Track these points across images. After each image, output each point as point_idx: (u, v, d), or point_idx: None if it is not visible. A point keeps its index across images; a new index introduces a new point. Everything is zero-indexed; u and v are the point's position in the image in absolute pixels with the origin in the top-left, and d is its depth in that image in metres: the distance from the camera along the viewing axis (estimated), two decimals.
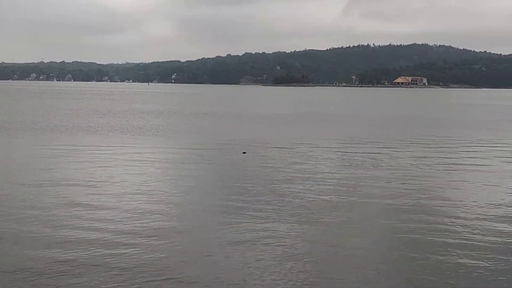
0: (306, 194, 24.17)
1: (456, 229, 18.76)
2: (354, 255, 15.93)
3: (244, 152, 37.73)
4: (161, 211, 20.61)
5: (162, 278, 13.92)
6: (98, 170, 29.58)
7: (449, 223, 19.46)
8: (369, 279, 14.18)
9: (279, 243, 16.78)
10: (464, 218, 20.17)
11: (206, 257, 15.50)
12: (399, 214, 20.79)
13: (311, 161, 34.19)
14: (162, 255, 15.58)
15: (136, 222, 18.93)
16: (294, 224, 19.05)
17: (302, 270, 14.67)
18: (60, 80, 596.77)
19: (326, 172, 29.93)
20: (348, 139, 47.75)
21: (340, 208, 21.76)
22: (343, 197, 23.72)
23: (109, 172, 28.91)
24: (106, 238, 16.97)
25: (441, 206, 22.17)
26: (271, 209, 21.21)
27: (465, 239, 17.57)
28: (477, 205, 22.35)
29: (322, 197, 23.56)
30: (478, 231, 18.54)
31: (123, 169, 29.99)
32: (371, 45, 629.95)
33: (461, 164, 34.09)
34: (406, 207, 21.93)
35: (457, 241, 17.38)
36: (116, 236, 17.19)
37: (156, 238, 17.17)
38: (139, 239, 16.98)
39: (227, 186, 25.87)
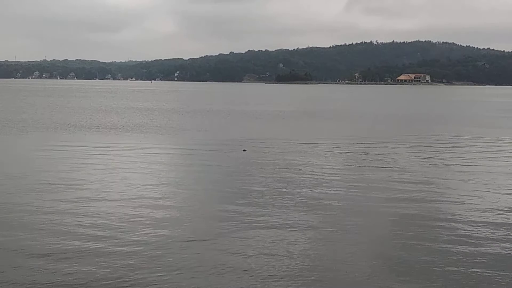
0: (306, 194, 23.78)
1: (464, 234, 18.25)
2: (360, 265, 15.60)
3: (244, 150, 37.40)
4: (161, 218, 19.99)
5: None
6: (97, 171, 29.20)
7: (458, 228, 18.97)
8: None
9: (283, 250, 16.30)
10: (474, 222, 19.55)
11: (212, 267, 15.15)
12: (406, 218, 20.24)
13: (312, 159, 33.73)
14: (164, 265, 15.28)
15: (137, 230, 18.24)
16: (298, 230, 18.46)
17: (308, 281, 14.31)
18: (63, 78, 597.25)
19: (328, 173, 29.45)
20: (352, 137, 47.24)
21: (344, 210, 21.25)
22: (346, 199, 23.16)
23: (108, 173, 28.54)
24: (107, 249, 16.32)
25: (448, 209, 21.70)
26: (266, 213, 20.85)
27: (474, 246, 17.01)
28: (486, 208, 21.78)
29: (324, 198, 23.13)
30: (489, 237, 17.92)
31: (123, 170, 29.55)
32: (374, 42, 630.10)
33: (469, 164, 33.25)
34: (413, 211, 21.35)
35: (465, 248, 16.79)
36: (118, 248, 16.47)
37: (155, 247, 16.74)
38: (142, 249, 16.34)
39: (226, 188, 25.24)
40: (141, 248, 16.26)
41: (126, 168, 29.96)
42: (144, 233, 17.77)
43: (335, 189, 24.99)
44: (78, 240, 16.90)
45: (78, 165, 30.97)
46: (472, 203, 22.35)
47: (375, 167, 31.32)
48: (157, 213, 20.35)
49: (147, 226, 18.62)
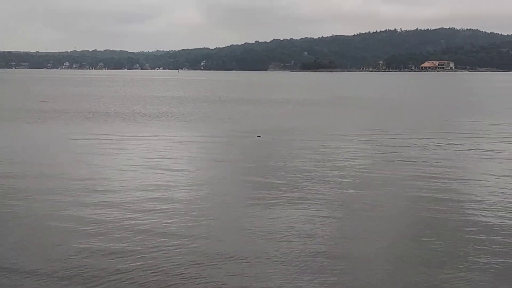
0: (318, 183, 23.37)
1: (488, 231, 16.89)
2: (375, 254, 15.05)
3: (258, 136, 38.12)
4: (175, 210, 19.36)
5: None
6: (116, 160, 29.19)
7: (483, 224, 17.62)
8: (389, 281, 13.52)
9: (296, 237, 16.19)
10: (498, 217, 18.24)
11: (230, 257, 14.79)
12: (428, 216, 18.58)
13: (332, 149, 33.27)
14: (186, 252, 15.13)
15: (154, 221, 17.92)
16: (314, 220, 17.89)
17: (324, 271, 13.94)
18: (92, 69, 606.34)
19: (344, 161, 28.65)
20: (374, 126, 45.67)
21: (358, 201, 20.13)
22: (360, 189, 22.09)
23: (128, 160, 28.77)
24: (132, 248, 15.41)
25: (475, 205, 20.00)
26: (280, 201, 20.42)
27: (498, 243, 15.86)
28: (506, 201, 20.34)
29: (336, 187, 22.53)
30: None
31: (144, 160, 29.20)
32: (398, 30, 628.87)
33: (500, 152, 31.86)
34: (436, 209, 19.49)
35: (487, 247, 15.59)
36: (137, 245, 15.65)
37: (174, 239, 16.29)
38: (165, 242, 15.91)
39: (239, 175, 25.33)
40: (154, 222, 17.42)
41: (145, 156, 30.20)
42: (162, 225, 17.55)
43: (349, 180, 23.97)
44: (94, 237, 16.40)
45: (99, 155, 30.49)
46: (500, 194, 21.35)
47: (398, 156, 30.07)
48: (171, 194, 21.30)
49: (161, 217, 18.47)
